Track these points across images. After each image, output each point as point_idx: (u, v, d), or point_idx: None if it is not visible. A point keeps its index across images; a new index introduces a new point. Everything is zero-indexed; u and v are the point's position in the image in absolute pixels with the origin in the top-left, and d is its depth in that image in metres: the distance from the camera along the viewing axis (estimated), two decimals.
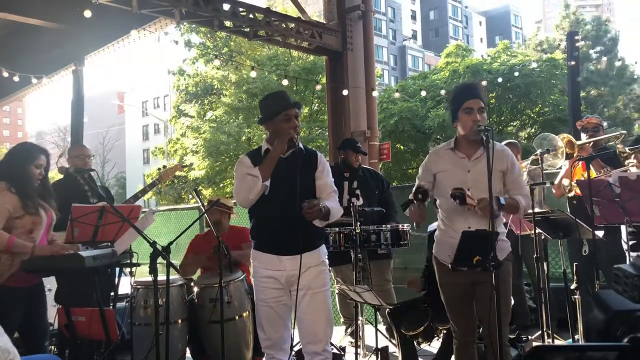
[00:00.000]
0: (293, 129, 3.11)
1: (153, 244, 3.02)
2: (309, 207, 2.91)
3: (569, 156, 4.40)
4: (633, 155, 3.94)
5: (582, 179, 4.04)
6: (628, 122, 28.78)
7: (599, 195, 3.59)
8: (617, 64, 27.99)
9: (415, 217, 3.03)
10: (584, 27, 29.84)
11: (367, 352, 4.49)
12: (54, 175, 5.92)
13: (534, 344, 4.41)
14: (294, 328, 3.27)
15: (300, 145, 3.18)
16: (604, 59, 28.33)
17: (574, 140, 4.45)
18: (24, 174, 3.51)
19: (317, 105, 25.33)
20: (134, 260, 4.06)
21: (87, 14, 6.70)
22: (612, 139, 4.69)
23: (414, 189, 3.03)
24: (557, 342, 4.40)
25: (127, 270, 4.30)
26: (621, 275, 1.47)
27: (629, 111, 29.64)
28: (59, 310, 3.70)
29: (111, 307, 4.03)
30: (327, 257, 3.27)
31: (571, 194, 4.56)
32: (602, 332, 1.50)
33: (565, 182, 4.56)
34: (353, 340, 4.14)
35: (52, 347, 4.34)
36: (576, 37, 7.47)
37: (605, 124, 5.02)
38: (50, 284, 4.41)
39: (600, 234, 3.84)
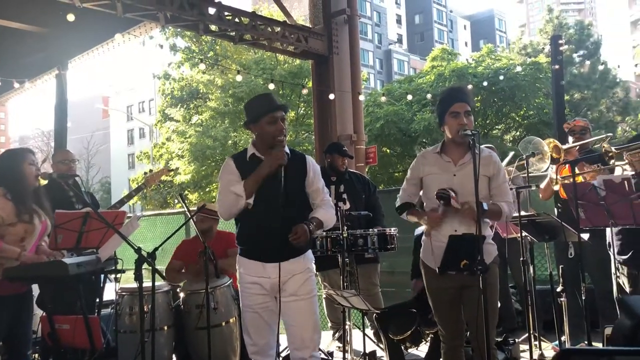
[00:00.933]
0: (279, 131, 3.04)
1: (138, 250, 2.98)
2: (295, 237, 2.91)
3: (555, 160, 4.41)
4: (624, 155, 3.95)
5: (567, 182, 4.06)
6: (611, 125, 29.12)
7: (584, 199, 3.61)
8: (600, 67, 28.36)
9: (436, 220, 3.06)
10: (567, 31, 30.18)
11: (354, 357, 4.47)
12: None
13: (521, 347, 4.43)
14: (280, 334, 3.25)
15: (287, 149, 3.12)
16: (587, 62, 28.67)
17: (559, 145, 4.46)
18: (20, 176, 3.46)
19: (303, 109, 25.33)
20: (119, 267, 4.02)
21: (70, 17, 6.62)
22: (598, 142, 4.72)
23: (438, 192, 3.00)
24: (543, 343, 4.43)
25: (112, 276, 4.25)
26: None
27: (611, 114, 30.01)
28: (42, 318, 3.63)
29: (96, 315, 3.98)
30: (313, 262, 3.24)
31: (556, 187, 4.55)
32: (629, 338, 1.49)
33: (552, 175, 4.54)
34: (341, 345, 4.13)
35: (36, 356, 4.27)
36: (560, 41, 7.55)
37: (606, 134, 5.07)
38: (34, 291, 4.34)
39: (585, 236, 3.87)
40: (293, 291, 3.04)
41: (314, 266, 3.23)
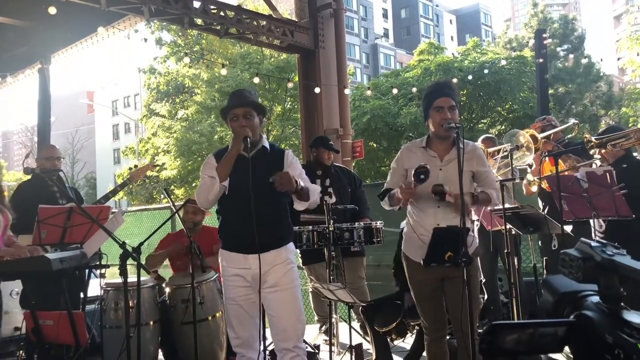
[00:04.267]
0: (240, 128, 3.09)
1: (123, 245, 2.97)
2: (279, 177, 2.91)
3: (536, 150, 4.47)
4: (597, 150, 4.01)
5: (551, 174, 4.10)
6: (595, 118, 29.40)
7: (567, 191, 3.65)
8: (584, 61, 28.56)
9: (408, 194, 2.97)
10: (551, 25, 30.36)
11: (341, 350, 4.49)
12: (22, 176, 5.81)
13: None
14: (264, 327, 3.25)
15: (266, 144, 3.18)
16: (571, 56, 28.88)
17: (536, 134, 4.51)
18: None
19: (290, 103, 25.28)
20: (104, 262, 4.00)
21: (52, 10, 6.54)
22: (569, 130, 4.81)
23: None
24: None
25: (98, 272, 4.23)
26: (567, 259, 1.60)
27: (595, 108, 30.26)
28: (25, 315, 3.60)
29: (80, 310, 3.96)
30: (294, 254, 3.25)
31: (534, 189, 4.61)
32: (551, 313, 1.63)
33: (530, 177, 4.60)
34: (327, 338, 4.15)
35: (21, 352, 4.24)
36: (544, 35, 7.62)
37: (572, 120, 5.16)
38: (18, 287, 4.32)
39: (568, 228, 3.91)
40: (274, 282, 3.06)
41: (294, 258, 3.23)
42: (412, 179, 2.94)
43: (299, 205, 3.15)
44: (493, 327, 1.09)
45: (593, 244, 1.59)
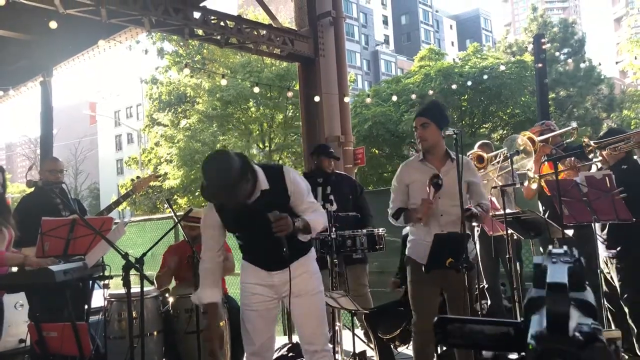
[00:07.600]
0: None
1: (125, 256, 2.99)
2: (276, 219, 2.78)
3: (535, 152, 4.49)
4: (598, 152, 4.02)
5: (551, 179, 4.11)
6: (596, 121, 29.36)
7: (567, 195, 3.66)
8: (584, 65, 28.58)
9: (428, 207, 3.11)
10: (551, 29, 30.41)
11: (345, 357, 4.49)
12: (25, 188, 5.85)
13: None
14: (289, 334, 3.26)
15: (264, 185, 2.90)
16: (571, 60, 28.90)
17: (534, 137, 4.53)
18: None
19: (291, 111, 25.33)
20: (107, 273, 4.01)
21: (53, 25, 6.59)
22: (569, 134, 4.85)
23: (429, 178, 3.12)
24: None
25: (101, 283, 4.25)
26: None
27: (597, 111, 30.22)
28: (29, 326, 3.62)
29: (84, 321, 3.97)
30: (315, 260, 3.18)
31: (534, 186, 4.61)
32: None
33: (530, 174, 4.60)
34: (331, 346, 4.16)
35: None
36: (542, 40, 7.64)
37: (574, 124, 5.19)
38: (22, 299, 4.33)
39: (570, 232, 3.91)
40: (297, 291, 3.01)
41: (316, 265, 3.17)
42: (430, 188, 3.09)
43: (302, 238, 3.00)
44: (440, 320, 1.10)
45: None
